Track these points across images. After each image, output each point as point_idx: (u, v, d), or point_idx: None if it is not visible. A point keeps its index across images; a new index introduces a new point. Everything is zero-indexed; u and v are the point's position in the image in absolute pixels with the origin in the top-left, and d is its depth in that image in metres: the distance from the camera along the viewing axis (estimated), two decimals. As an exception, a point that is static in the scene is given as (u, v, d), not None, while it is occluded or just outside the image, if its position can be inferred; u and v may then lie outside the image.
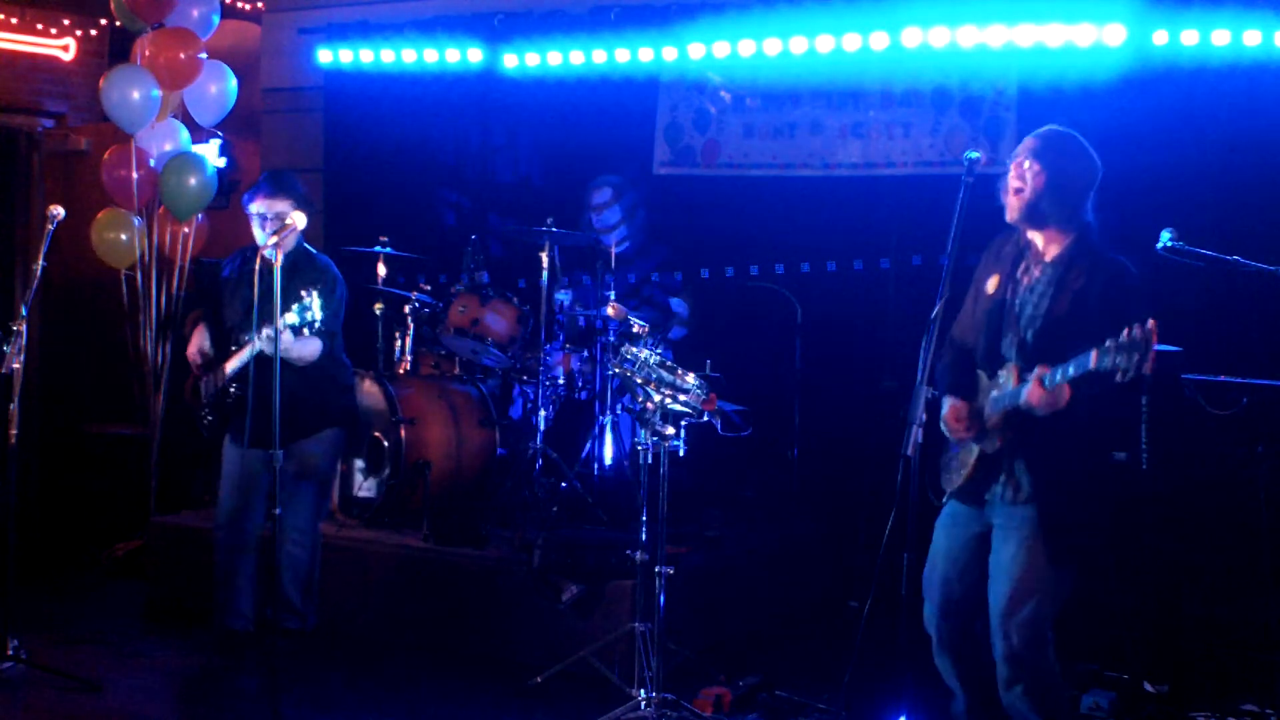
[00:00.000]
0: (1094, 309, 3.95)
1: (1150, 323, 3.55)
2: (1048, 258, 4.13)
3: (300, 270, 5.45)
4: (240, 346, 5.51)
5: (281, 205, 5.48)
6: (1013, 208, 4.14)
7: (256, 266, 4.86)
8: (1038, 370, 3.84)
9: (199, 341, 5.73)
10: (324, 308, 5.04)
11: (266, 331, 5.06)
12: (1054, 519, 4.01)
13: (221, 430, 5.70)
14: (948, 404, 4.18)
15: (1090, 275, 4.01)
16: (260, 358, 5.12)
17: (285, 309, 5.04)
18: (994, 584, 4.09)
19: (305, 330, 5.07)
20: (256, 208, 5.52)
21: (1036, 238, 4.17)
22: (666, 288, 7.35)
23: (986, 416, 4.07)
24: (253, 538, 5.70)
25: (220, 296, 5.74)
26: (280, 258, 4.85)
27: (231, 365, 5.51)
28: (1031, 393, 3.84)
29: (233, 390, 5.55)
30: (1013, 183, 4.13)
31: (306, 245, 5.66)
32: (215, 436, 5.75)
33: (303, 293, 5.05)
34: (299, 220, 4.86)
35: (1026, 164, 4.10)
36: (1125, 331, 3.57)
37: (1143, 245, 4.31)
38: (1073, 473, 4.02)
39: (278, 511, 4.78)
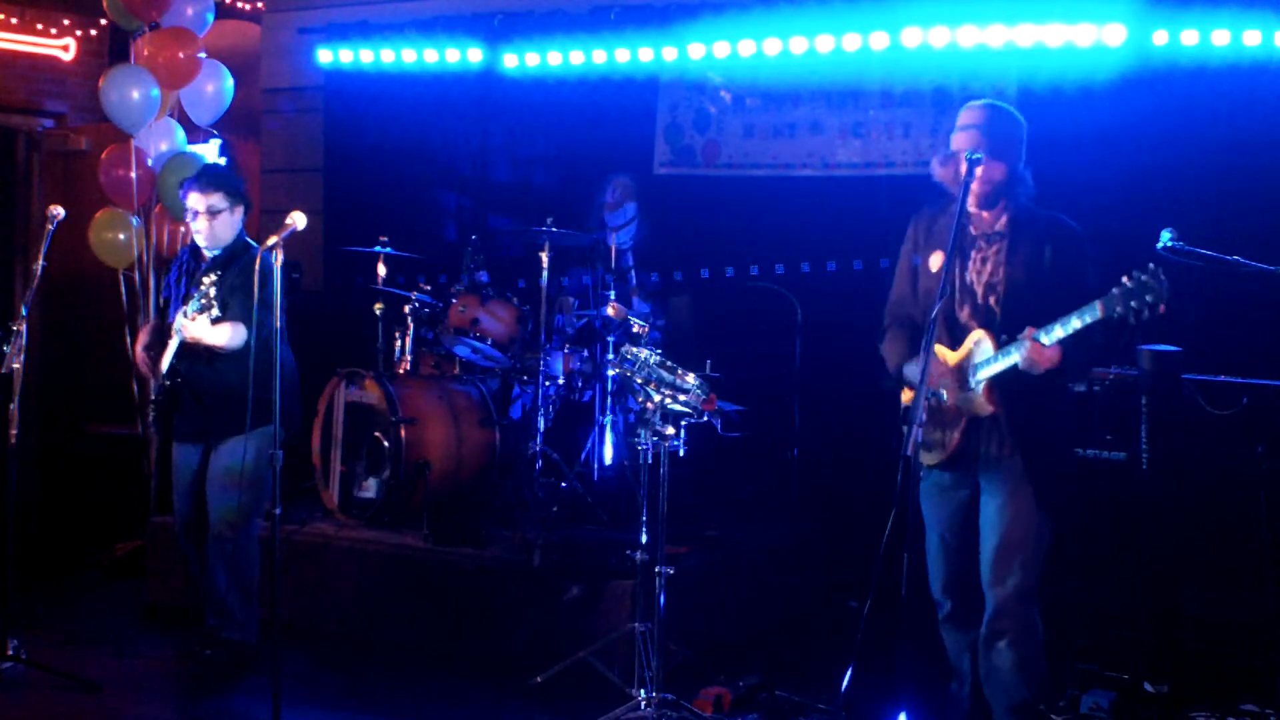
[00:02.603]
0: (1049, 273, 4.12)
1: (1152, 266, 3.69)
2: (991, 226, 4.27)
3: (236, 261, 5.47)
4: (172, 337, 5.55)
5: (213, 199, 5.49)
6: (977, 194, 4.23)
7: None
8: (1028, 330, 3.96)
9: (140, 341, 5.76)
10: (221, 289, 5.08)
11: (177, 315, 5.26)
12: (1039, 466, 4.16)
13: (167, 426, 5.68)
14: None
15: (1037, 238, 4.17)
16: (184, 350, 5.32)
17: (190, 297, 5.17)
18: (984, 537, 4.24)
19: (207, 313, 5.13)
20: (190, 202, 5.53)
21: (982, 211, 4.30)
22: (665, 288, 7.35)
23: (971, 385, 4.16)
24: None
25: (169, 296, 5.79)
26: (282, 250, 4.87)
27: (166, 357, 5.51)
28: (1031, 351, 3.95)
29: (167, 384, 5.54)
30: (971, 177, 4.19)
31: (247, 239, 5.64)
32: (164, 434, 5.73)
33: (203, 279, 5.15)
34: (299, 220, 4.85)
35: (983, 161, 4.17)
36: (1126, 278, 3.70)
37: (1143, 245, 4.31)
38: (1053, 427, 4.23)
39: (278, 511, 4.76)
